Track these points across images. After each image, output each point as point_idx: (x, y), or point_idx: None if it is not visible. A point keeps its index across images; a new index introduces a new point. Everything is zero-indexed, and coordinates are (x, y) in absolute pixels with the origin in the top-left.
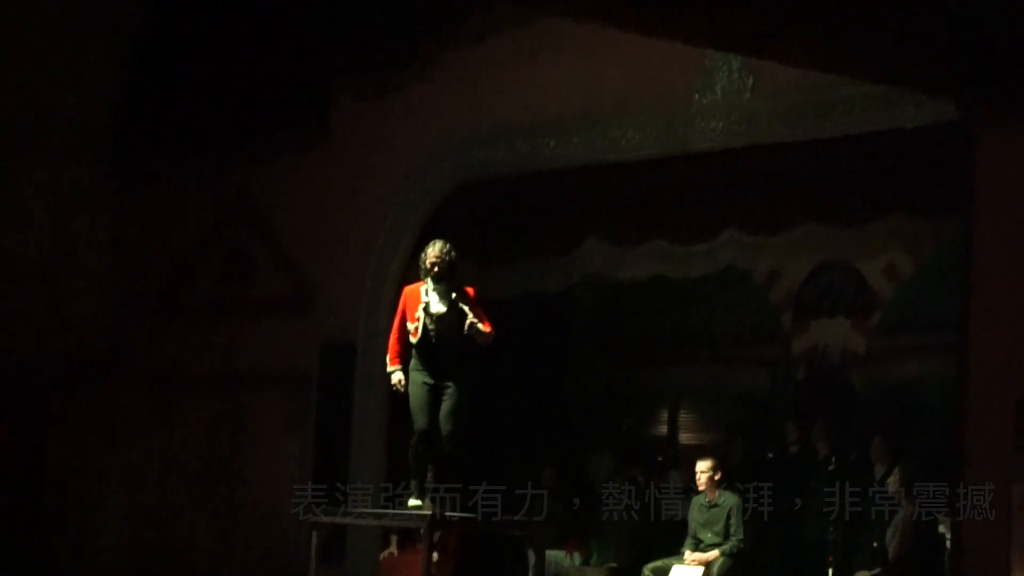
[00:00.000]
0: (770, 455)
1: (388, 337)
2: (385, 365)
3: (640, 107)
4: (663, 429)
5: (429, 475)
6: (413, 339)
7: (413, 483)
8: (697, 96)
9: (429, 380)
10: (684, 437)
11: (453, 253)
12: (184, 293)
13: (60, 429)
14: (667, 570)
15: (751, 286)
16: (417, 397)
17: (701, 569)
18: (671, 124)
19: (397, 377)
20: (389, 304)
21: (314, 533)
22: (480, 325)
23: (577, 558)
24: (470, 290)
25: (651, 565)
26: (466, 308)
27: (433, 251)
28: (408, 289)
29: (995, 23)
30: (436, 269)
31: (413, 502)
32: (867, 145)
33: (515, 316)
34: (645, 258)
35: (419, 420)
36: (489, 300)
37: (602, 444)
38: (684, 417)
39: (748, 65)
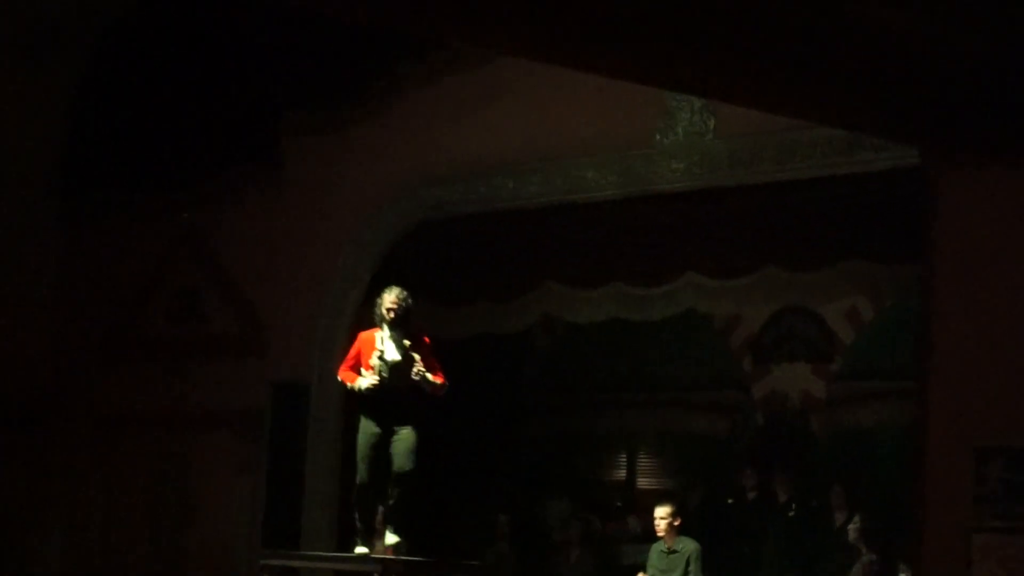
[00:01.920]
0: (729, 501)
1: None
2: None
3: (600, 147)
4: (621, 474)
5: (378, 518)
6: (365, 388)
7: (359, 529)
8: (658, 136)
9: (377, 429)
10: (642, 482)
11: (410, 300)
12: (131, 332)
13: (1, 469)
14: None
15: (711, 330)
16: (364, 448)
17: None
18: (631, 164)
19: (367, 382)
20: (343, 344)
21: None
22: (430, 376)
23: None
24: (426, 339)
25: None
26: (418, 357)
27: (390, 297)
28: (363, 336)
29: (956, 70)
30: (392, 315)
31: (360, 549)
32: (828, 189)
33: (471, 357)
34: (603, 300)
35: (362, 472)
36: (444, 341)
37: (558, 489)
38: (642, 462)
39: (710, 107)
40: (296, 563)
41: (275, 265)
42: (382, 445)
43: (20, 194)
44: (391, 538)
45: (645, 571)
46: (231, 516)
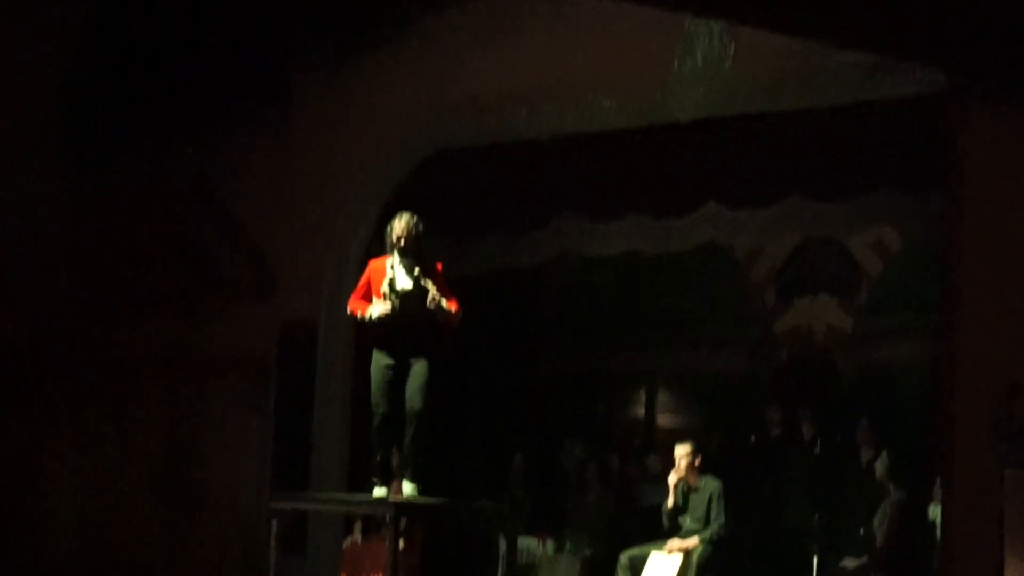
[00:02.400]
0: (752, 439)
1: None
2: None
3: (616, 75)
4: (640, 412)
5: (395, 461)
6: (376, 316)
7: (377, 470)
8: (676, 64)
9: (391, 360)
10: (662, 421)
11: (420, 226)
12: (139, 279)
13: (9, 423)
14: (645, 558)
15: (732, 263)
16: (379, 380)
17: (680, 556)
18: (649, 93)
19: (378, 310)
20: (353, 281)
21: (274, 522)
22: (444, 303)
23: (550, 546)
24: (438, 266)
25: (628, 553)
26: (431, 285)
27: (400, 224)
28: (373, 263)
29: None
30: (402, 243)
31: (377, 491)
32: (853, 116)
33: (484, 294)
34: (620, 233)
35: (381, 405)
36: (456, 277)
37: (575, 428)
38: (662, 400)
39: (729, 32)
40: (306, 506)
41: (284, 203)
42: (397, 378)
43: (26, 142)
44: (408, 487)
45: (665, 511)
46: (241, 461)
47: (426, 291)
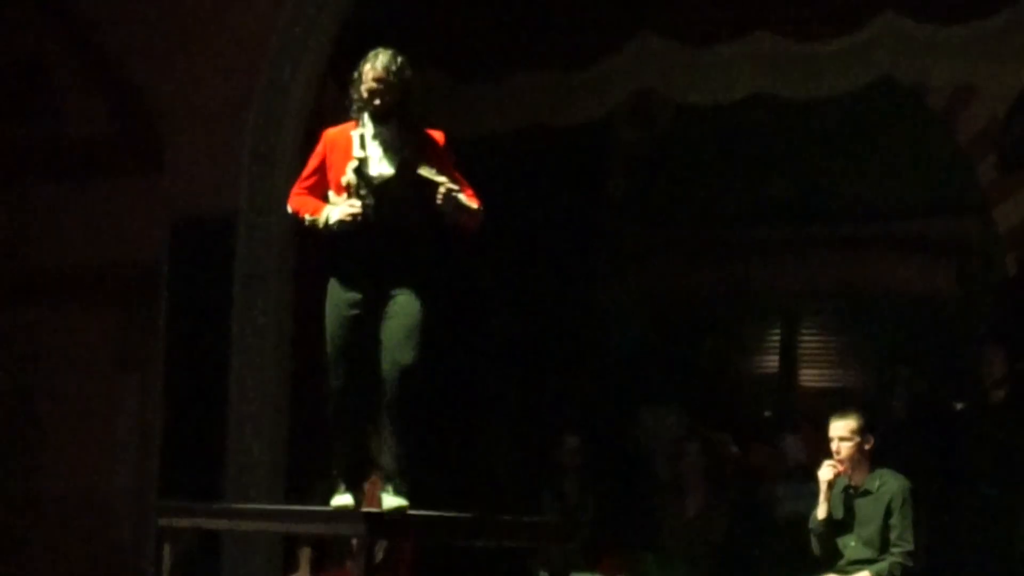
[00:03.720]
0: (959, 406)
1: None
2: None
3: None
4: (770, 363)
5: (367, 453)
6: (336, 223)
7: (339, 466)
8: None
9: (358, 295)
10: (806, 376)
11: (408, 72)
12: None
13: None
14: None
15: (923, 112)
16: (336, 329)
17: None
18: None
19: (339, 213)
20: (295, 153)
21: (167, 545)
22: (460, 196)
23: None
24: (437, 136)
25: None
26: (428, 170)
27: (373, 68)
28: (330, 135)
29: None
30: (378, 100)
31: (339, 499)
32: None
33: (514, 168)
34: (737, 64)
35: (342, 364)
36: (468, 142)
37: (664, 390)
38: (807, 341)
39: None
40: (217, 523)
41: (176, 20)
42: (369, 321)
43: None
44: (390, 499)
45: (815, 526)
46: (108, 444)
47: (416, 179)
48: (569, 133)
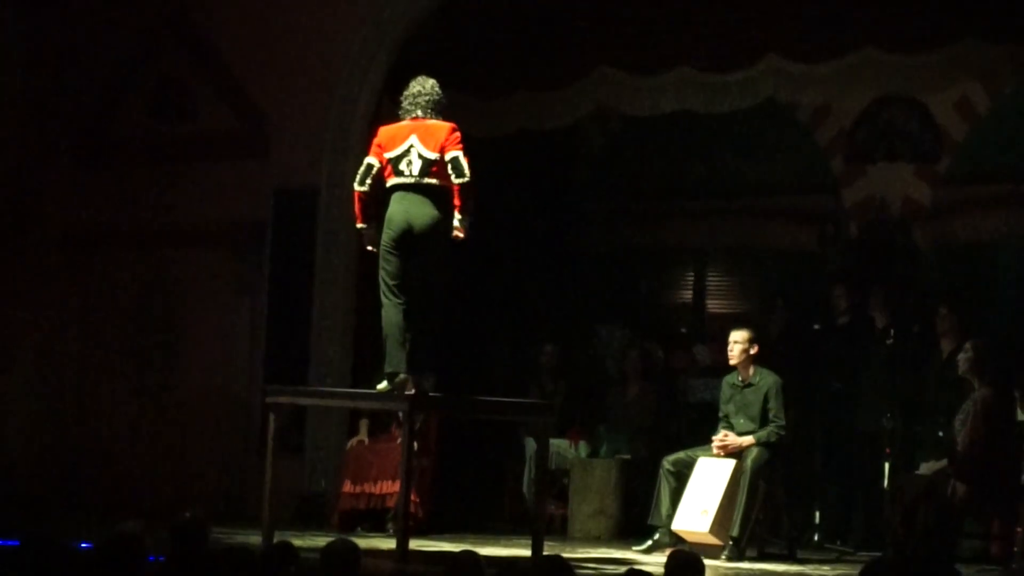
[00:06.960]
0: (816, 327)
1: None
2: (348, 212)
3: None
4: (687, 295)
5: (406, 352)
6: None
7: (388, 359)
8: None
9: (397, 242)
10: (713, 305)
11: (437, 90)
12: (109, 133)
13: None
14: (691, 463)
15: (795, 124)
16: (385, 266)
17: (732, 462)
18: None
19: (369, 236)
20: (358, 139)
21: (272, 417)
22: (460, 233)
23: (583, 448)
24: (452, 129)
25: (671, 457)
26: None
27: (417, 84)
28: (385, 129)
29: None
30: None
31: (381, 387)
32: None
33: (509, 158)
34: (668, 89)
35: (387, 295)
36: (478, 140)
37: (614, 314)
38: (713, 281)
39: None
40: (306, 400)
41: (277, 48)
42: (408, 257)
43: None
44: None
45: (717, 408)
46: (228, 347)
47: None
48: (548, 135)
